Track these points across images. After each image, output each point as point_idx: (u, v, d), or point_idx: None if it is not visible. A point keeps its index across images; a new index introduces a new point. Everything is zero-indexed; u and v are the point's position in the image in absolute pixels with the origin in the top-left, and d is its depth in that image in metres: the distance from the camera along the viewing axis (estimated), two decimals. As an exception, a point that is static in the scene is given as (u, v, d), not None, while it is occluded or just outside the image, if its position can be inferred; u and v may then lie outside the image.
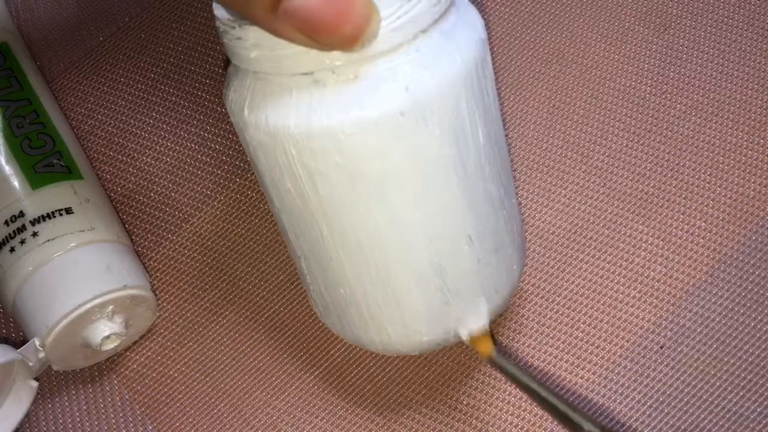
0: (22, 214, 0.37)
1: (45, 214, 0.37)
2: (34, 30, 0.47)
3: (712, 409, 0.35)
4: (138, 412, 0.38)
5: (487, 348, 0.31)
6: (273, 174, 0.30)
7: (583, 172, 0.39)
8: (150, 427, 0.37)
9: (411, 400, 0.36)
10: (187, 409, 0.37)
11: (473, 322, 0.32)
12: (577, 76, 0.41)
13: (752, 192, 0.38)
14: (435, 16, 0.28)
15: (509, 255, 0.33)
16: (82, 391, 0.38)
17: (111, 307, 0.36)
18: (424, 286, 0.31)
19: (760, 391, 0.35)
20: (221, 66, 0.44)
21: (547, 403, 0.30)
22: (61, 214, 0.37)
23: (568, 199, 0.39)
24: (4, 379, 0.36)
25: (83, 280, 0.36)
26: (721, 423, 0.34)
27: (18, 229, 0.37)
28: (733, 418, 0.34)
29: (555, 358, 0.36)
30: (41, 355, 0.35)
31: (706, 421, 0.34)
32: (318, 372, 0.37)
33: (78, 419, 0.38)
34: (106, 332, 0.36)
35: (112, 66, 0.45)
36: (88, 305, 0.35)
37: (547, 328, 0.37)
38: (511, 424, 0.35)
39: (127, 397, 0.38)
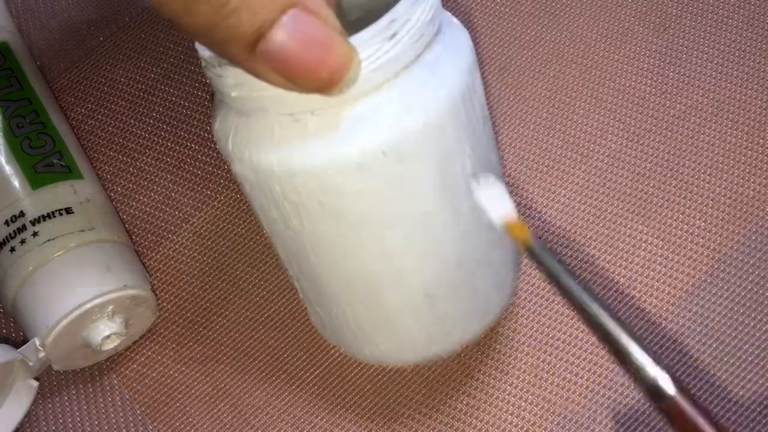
0: (22, 214, 0.37)
1: (45, 214, 0.37)
2: (34, 30, 0.47)
3: (712, 409, 0.35)
4: (138, 412, 0.38)
5: (524, 234, 0.26)
6: (260, 203, 0.30)
7: (583, 172, 0.39)
8: (150, 427, 0.37)
9: (411, 400, 0.36)
10: (187, 409, 0.37)
11: (499, 208, 0.27)
12: (577, 76, 0.41)
13: (752, 192, 0.38)
14: (418, 51, 0.27)
15: (502, 272, 0.33)
16: (82, 391, 0.38)
17: (111, 307, 0.36)
18: (414, 309, 0.31)
19: (760, 391, 0.35)
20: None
21: (586, 313, 0.25)
22: (61, 214, 0.37)
23: (568, 199, 0.39)
24: (4, 378, 0.36)
25: (83, 280, 0.36)
26: (721, 423, 0.34)
27: (18, 229, 0.37)
28: (733, 418, 0.34)
29: (555, 358, 0.36)
30: (41, 354, 0.35)
31: (706, 420, 0.34)
32: (318, 372, 0.37)
33: (78, 419, 0.38)
34: (106, 332, 0.36)
35: (112, 66, 0.45)
36: (88, 305, 0.35)
37: (547, 328, 0.37)
38: (511, 423, 0.35)
39: (127, 397, 0.38)
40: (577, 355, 0.36)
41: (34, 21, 0.47)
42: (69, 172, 0.39)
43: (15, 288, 0.36)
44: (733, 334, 0.36)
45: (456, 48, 0.28)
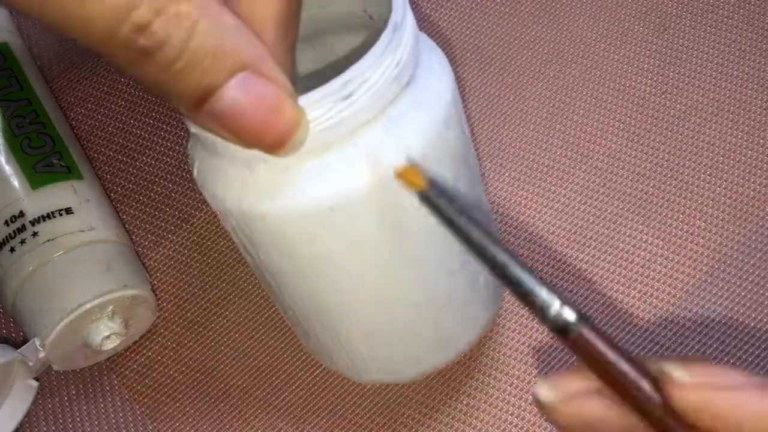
0: (22, 214, 0.37)
1: (45, 214, 0.37)
2: (34, 30, 0.47)
3: (712, 409, 0.35)
4: (138, 412, 0.38)
5: (417, 180, 0.25)
6: (226, 226, 0.30)
7: (583, 172, 0.39)
8: (150, 427, 0.37)
9: (411, 400, 0.36)
10: (187, 409, 0.37)
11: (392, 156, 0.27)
12: (577, 76, 0.41)
13: (752, 192, 0.38)
14: (378, 109, 0.26)
15: (472, 311, 0.32)
16: (82, 391, 0.38)
17: (111, 307, 0.36)
18: (371, 342, 0.31)
19: (760, 391, 0.35)
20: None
21: (486, 257, 0.23)
22: (61, 214, 0.37)
23: (568, 199, 0.39)
24: (4, 379, 0.36)
25: (83, 280, 0.36)
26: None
27: (18, 229, 0.37)
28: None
29: (555, 358, 0.36)
30: (41, 355, 0.35)
31: (706, 421, 0.34)
32: (318, 372, 0.37)
33: (78, 419, 0.38)
34: (106, 332, 0.36)
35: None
36: (88, 305, 0.35)
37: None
38: (511, 424, 0.35)
39: (127, 397, 0.38)
40: (577, 355, 0.36)
41: (34, 21, 0.47)
42: (69, 172, 0.39)
43: (15, 288, 0.36)
44: (733, 334, 0.36)
45: (427, 104, 0.27)
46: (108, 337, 0.36)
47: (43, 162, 0.38)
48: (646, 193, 0.39)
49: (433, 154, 0.27)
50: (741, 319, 0.36)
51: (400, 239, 0.28)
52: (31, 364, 0.35)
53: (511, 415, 0.35)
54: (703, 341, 0.36)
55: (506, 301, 0.37)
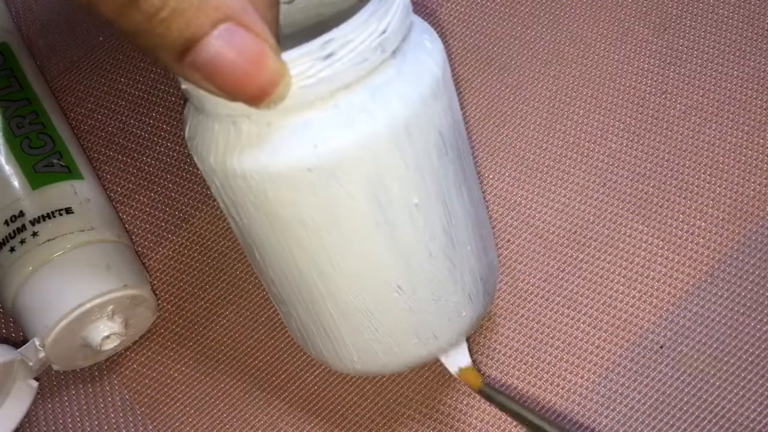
0: (21, 213, 0.37)
1: (45, 214, 0.37)
2: (34, 30, 0.47)
3: (711, 409, 0.35)
4: (138, 412, 0.38)
5: (476, 381, 0.32)
6: (212, 191, 0.30)
7: (583, 172, 0.39)
8: (150, 427, 0.37)
9: (411, 400, 0.36)
10: (187, 409, 0.37)
11: (458, 360, 0.32)
12: (577, 76, 0.41)
13: (752, 192, 0.38)
14: (360, 72, 0.26)
15: (454, 303, 0.31)
16: (82, 391, 0.38)
17: (111, 307, 0.36)
18: (350, 323, 0.31)
19: (760, 391, 0.35)
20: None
21: (539, 430, 0.30)
22: (61, 214, 0.37)
23: (568, 199, 0.39)
24: (4, 379, 0.36)
25: (83, 280, 0.36)
26: (721, 423, 0.34)
27: (18, 228, 0.37)
28: (733, 418, 0.34)
29: (555, 358, 0.36)
30: (41, 355, 0.35)
31: (706, 421, 0.34)
32: (318, 372, 0.37)
33: (78, 419, 0.38)
34: (106, 332, 0.36)
35: (112, 66, 0.45)
36: (88, 305, 0.35)
37: (547, 328, 0.37)
38: (510, 423, 0.35)
39: (127, 397, 0.38)
40: (577, 355, 0.36)
41: (34, 21, 0.47)
42: (69, 172, 0.39)
43: (15, 288, 0.36)
44: (734, 335, 0.36)
45: (415, 74, 0.27)
46: (108, 337, 0.36)
47: (43, 162, 0.38)
48: (646, 193, 0.39)
49: (421, 128, 0.27)
50: (741, 319, 0.36)
51: (377, 210, 0.28)
52: (31, 364, 0.35)
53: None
54: (703, 341, 0.36)
55: (504, 300, 0.37)
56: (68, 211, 0.37)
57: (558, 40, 0.43)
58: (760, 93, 0.40)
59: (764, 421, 0.34)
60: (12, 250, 0.36)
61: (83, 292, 0.35)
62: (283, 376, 0.37)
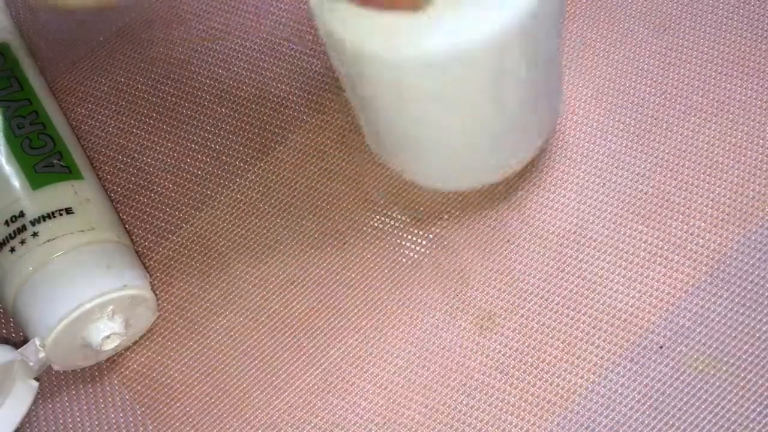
0: (22, 214, 0.37)
1: (45, 214, 0.37)
2: (34, 30, 0.47)
3: (711, 409, 0.35)
4: (138, 412, 0.38)
5: None
6: (332, 55, 0.33)
7: (583, 172, 0.39)
8: (150, 427, 0.37)
9: (411, 400, 0.36)
10: (187, 409, 0.37)
11: None
12: (577, 77, 0.41)
13: (752, 192, 0.38)
14: None
15: (531, 136, 0.36)
16: (82, 391, 0.38)
17: (111, 307, 0.36)
18: (442, 157, 0.36)
19: (760, 391, 0.35)
20: (221, 66, 0.44)
21: None
22: (61, 214, 0.37)
23: (568, 199, 0.39)
24: (5, 379, 0.36)
25: (83, 280, 0.36)
26: (720, 423, 0.34)
27: (18, 229, 0.37)
28: (732, 418, 0.34)
29: (555, 358, 0.36)
30: (41, 355, 0.35)
31: (706, 421, 0.34)
32: (318, 372, 0.37)
33: (78, 419, 0.38)
34: (106, 332, 0.36)
35: (112, 66, 0.45)
36: (89, 305, 0.35)
37: (547, 328, 0.37)
38: (510, 424, 0.35)
39: (127, 397, 0.38)
40: (576, 355, 0.36)
41: (34, 21, 0.47)
42: (69, 172, 0.39)
43: (15, 288, 0.36)
44: (733, 335, 0.36)
45: None
46: (108, 337, 0.36)
47: (43, 162, 0.38)
48: (646, 194, 0.39)
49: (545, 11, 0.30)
50: (741, 320, 0.36)
51: (497, 85, 0.31)
52: (31, 364, 0.35)
53: (511, 415, 0.35)
54: (703, 341, 0.36)
55: (504, 300, 0.37)
56: (68, 211, 0.37)
57: (558, 40, 0.43)
58: (760, 93, 0.40)
59: (764, 421, 0.34)
60: (12, 250, 0.36)
61: (84, 292, 0.35)
62: (283, 376, 0.37)
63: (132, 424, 0.37)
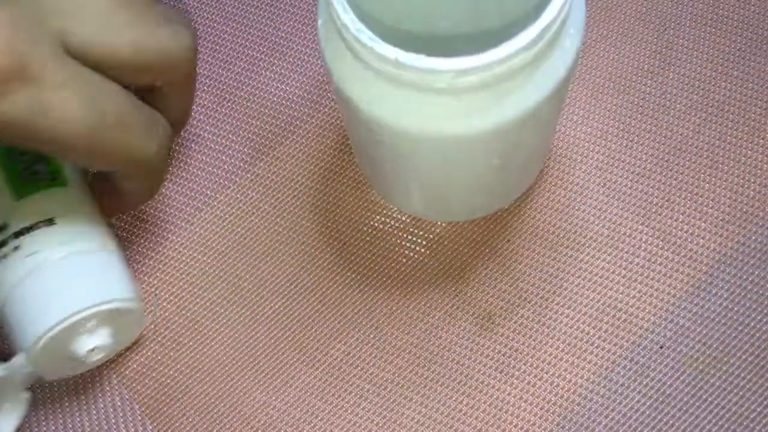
0: (5, 225, 0.36)
1: (27, 226, 0.36)
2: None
3: (711, 409, 0.35)
4: (138, 412, 0.38)
5: None
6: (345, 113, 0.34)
7: (583, 172, 0.39)
8: (150, 427, 0.37)
9: (411, 401, 0.36)
10: (187, 409, 0.37)
11: None
12: (578, 76, 0.41)
13: (752, 192, 0.38)
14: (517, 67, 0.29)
15: (526, 176, 0.38)
16: (82, 391, 0.38)
17: (94, 321, 0.35)
18: (444, 195, 0.37)
19: (760, 391, 0.35)
20: (221, 67, 0.44)
21: None
22: (43, 225, 0.36)
23: (568, 199, 0.39)
24: None
25: (66, 293, 0.35)
26: (721, 423, 0.34)
27: (0, 243, 0.36)
28: (732, 418, 0.34)
29: (555, 358, 0.36)
30: (27, 370, 0.35)
31: (706, 421, 0.34)
32: (318, 372, 0.37)
33: (78, 419, 0.38)
34: (89, 346, 0.35)
35: (112, 66, 0.45)
36: (72, 320, 0.34)
37: (547, 328, 0.37)
38: (511, 424, 0.35)
39: (127, 397, 0.38)
40: (576, 355, 0.36)
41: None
42: (53, 180, 0.37)
43: (0, 301, 0.36)
44: (733, 335, 0.36)
45: (563, 60, 0.31)
46: (92, 350, 0.35)
47: (29, 170, 0.37)
48: (646, 193, 0.39)
49: (541, 111, 0.31)
50: (741, 320, 0.36)
51: (494, 157, 0.34)
52: (18, 378, 0.35)
53: (511, 415, 0.35)
54: (703, 341, 0.36)
55: (504, 300, 0.37)
56: (50, 222, 0.36)
57: (558, 40, 0.43)
58: (760, 93, 0.40)
59: (764, 421, 0.34)
60: None
61: (66, 307, 0.34)
62: (283, 376, 0.37)
63: (132, 424, 0.37)
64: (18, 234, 0.35)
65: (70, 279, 0.35)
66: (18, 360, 0.34)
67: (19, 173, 0.37)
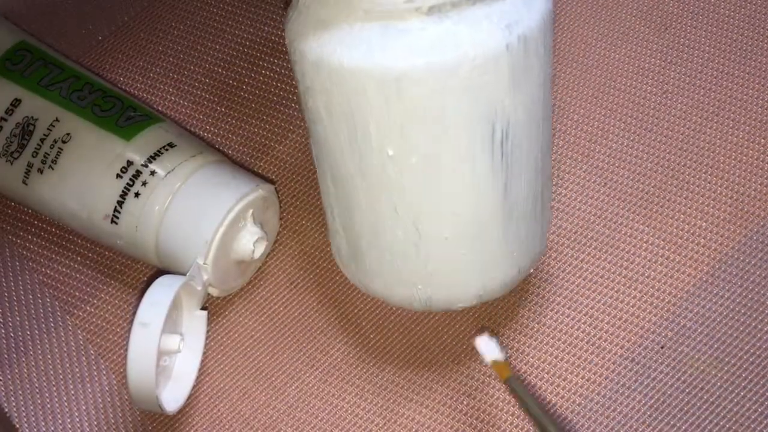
0: (130, 163, 0.37)
1: (153, 154, 0.37)
2: (33, 30, 0.47)
3: (712, 409, 0.35)
4: (137, 412, 0.38)
5: (505, 373, 0.32)
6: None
7: (584, 171, 0.39)
8: (149, 427, 0.37)
9: (411, 401, 0.36)
10: (186, 410, 0.37)
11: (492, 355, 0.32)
12: (577, 76, 0.41)
13: (753, 192, 0.38)
14: None
15: (514, 249, 0.33)
16: (81, 391, 0.38)
17: (251, 211, 0.37)
18: (401, 241, 0.32)
19: (761, 391, 0.35)
20: (221, 66, 0.44)
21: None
22: (166, 150, 0.37)
23: (568, 199, 0.39)
24: (178, 313, 0.36)
25: (218, 193, 0.36)
26: (721, 423, 0.34)
27: (134, 175, 0.37)
28: (734, 419, 0.34)
29: (555, 358, 0.36)
30: (206, 277, 0.36)
31: (707, 421, 0.34)
32: (318, 372, 0.37)
33: (77, 419, 0.38)
34: (255, 236, 0.37)
35: (112, 65, 0.45)
36: (235, 211, 0.36)
37: (547, 328, 0.37)
38: (511, 424, 0.35)
39: (126, 396, 0.38)
40: (577, 356, 0.36)
41: (29, 24, 0.47)
42: (149, 119, 0.39)
43: (155, 228, 0.36)
44: (734, 335, 0.36)
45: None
46: (257, 241, 0.37)
47: (122, 117, 0.38)
48: (646, 193, 0.39)
49: (540, 38, 0.29)
50: (742, 320, 0.36)
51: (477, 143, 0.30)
52: (198, 288, 0.36)
53: (512, 415, 0.35)
54: (704, 341, 0.36)
55: (505, 300, 0.37)
56: (171, 145, 0.38)
57: (558, 40, 0.42)
58: (761, 92, 0.40)
59: (764, 422, 0.34)
60: (137, 195, 0.36)
61: (224, 203, 0.36)
62: (283, 376, 0.37)
63: (131, 424, 0.37)
64: (149, 161, 0.37)
65: (217, 180, 0.37)
66: (196, 265, 0.35)
67: (116, 122, 0.38)
